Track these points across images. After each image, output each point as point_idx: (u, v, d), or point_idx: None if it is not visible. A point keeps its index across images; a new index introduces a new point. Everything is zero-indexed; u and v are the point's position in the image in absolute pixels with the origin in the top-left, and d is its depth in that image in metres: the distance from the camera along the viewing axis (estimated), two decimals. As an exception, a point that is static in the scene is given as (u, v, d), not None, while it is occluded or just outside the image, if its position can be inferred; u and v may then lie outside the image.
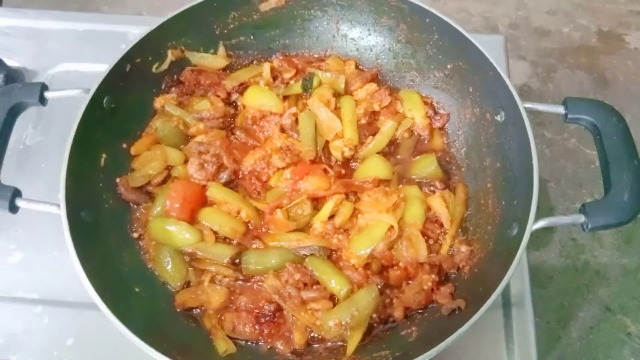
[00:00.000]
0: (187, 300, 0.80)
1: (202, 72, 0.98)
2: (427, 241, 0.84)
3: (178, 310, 0.80)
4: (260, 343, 0.78)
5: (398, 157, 0.94)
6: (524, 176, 0.76)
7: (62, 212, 0.73)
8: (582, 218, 0.72)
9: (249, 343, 0.78)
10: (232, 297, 0.80)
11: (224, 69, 1.00)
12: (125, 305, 0.72)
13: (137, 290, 0.78)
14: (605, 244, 1.46)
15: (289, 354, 0.77)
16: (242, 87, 0.98)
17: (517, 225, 0.74)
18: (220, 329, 0.77)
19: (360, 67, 1.02)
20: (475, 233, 0.85)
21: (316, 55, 1.04)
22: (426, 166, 0.91)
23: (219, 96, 0.96)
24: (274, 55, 1.02)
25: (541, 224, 0.71)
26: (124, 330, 0.66)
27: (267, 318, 0.78)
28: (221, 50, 1.00)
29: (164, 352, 0.66)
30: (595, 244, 1.46)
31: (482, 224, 0.85)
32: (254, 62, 1.03)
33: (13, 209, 0.75)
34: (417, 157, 0.93)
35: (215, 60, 0.99)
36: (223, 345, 0.75)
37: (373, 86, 0.97)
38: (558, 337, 1.32)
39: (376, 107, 0.95)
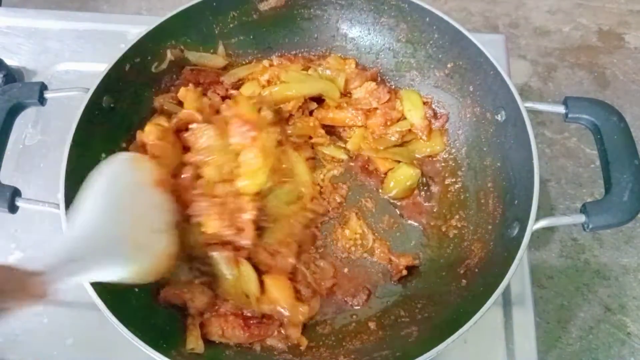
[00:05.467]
0: (170, 296, 0.79)
1: (202, 71, 0.97)
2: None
3: (160, 304, 0.79)
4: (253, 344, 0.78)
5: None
6: (524, 176, 0.76)
7: (62, 212, 0.72)
8: (582, 218, 0.72)
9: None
10: (217, 301, 0.79)
11: (224, 68, 1.00)
12: (125, 305, 0.72)
13: (136, 290, 0.78)
14: (605, 243, 1.46)
15: (286, 350, 0.77)
16: (240, 83, 0.98)
17: (518, 225, 0.74)
18: (196, 328, 0.77)
19: (361, 66, 1.02)
20: (475, 233, 0.85)
21: (316, 55, 1.04)
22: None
23: (218, 94, 0.96)
24: (273, 55, 1.02)
25: (542, 223, 0.71)
26: (124, 330, 0.66)
27: (255, 320, 0.78)
28: (220, 49, 1.00)
29: (163, 352, 0.66)
30: (595, 244, 1.45)
31: (483, 223, 0.85)
32: (254, 61, 1.02)
33: (12, 208, 0.75)
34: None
35: (214, 59, 0.99)
36: (192, 343, 0.75)
37: (372, 85, 0.97)
38: (558, 337, 1.32)
39: (374, 104, 0.95)
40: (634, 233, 1.46)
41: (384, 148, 0.94)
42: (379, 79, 1.01)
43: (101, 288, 0.69)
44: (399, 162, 0.93)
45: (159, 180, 0.72)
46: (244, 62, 1.02)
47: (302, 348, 0.78)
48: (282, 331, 0.78)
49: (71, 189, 0.75)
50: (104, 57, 0.85)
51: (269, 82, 0.96)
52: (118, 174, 0.69)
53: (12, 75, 1.08)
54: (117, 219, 0.64)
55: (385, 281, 0.86)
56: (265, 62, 0.99)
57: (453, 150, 0.95)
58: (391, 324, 0.80)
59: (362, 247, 0.88)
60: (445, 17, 0.89)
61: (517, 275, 0.88)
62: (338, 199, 0.92)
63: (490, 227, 0.83)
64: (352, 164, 0.96)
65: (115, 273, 0.62)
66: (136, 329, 0.67)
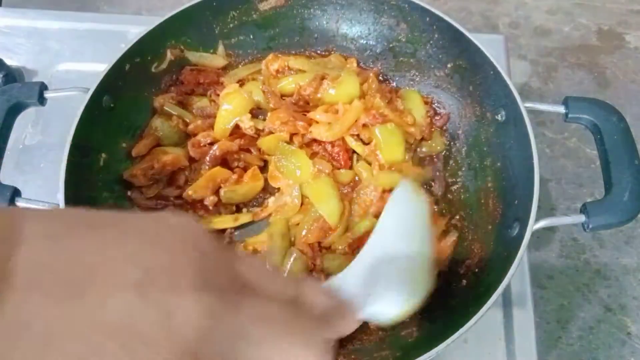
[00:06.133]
0: None
1: (202, 71, 0.98)
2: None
3: None
4: None
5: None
6: (524, 176, 0.76)
7: (62, 212, 0.72)
8: (582, 218, 0.72)
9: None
10: None
11: (224, 68, 1.00)
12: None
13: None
14: (605, 243, 1.46)
15: None
16: (240, 84, 0.98)
17: (518, 225, 0.74)
18: None
19: (362, 65, 1.02)
20: (475, 233, 0.85)
21: (316, 54, 1.04)
22: None
23: (218, 95, 0.96)
24: (272, 54, 1.02)
25: (542, 224, 0.71)
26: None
27: None
28: (220, 49, 1.00)
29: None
30: (595, 244, 1.45)
31: (483, 223, 0.84)
32: (254, 61, 1.02)
33: (12, 208, 0.75)
34: None
35: (214, 59, 0.99)
36: None
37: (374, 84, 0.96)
38: (558, 337, 1.32)
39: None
40: (634, 233, 1.46)
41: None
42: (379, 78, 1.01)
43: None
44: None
45: (433, 213, 0.68)
46: (244, 62, 1.02)
47: None
48: None
49: (71, 188, 0.75)
50: (104, 57, 0.85)
51: (277, 71, 0.96)
52: (411, 205, 0.63)
53: (12, 75, 1.08)
54: (406, 250, 0.58)
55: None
56: (270, 55, 0.99)
57: (453, 150, 0.95)
58: (391, 324, 0.80)
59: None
60: (446, 17, 0.89)
61: (517, 275, 0.88)
62: None
63: (490, 227, 0.83)
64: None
65: (395, 308, 0.56)
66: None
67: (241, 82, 0.98)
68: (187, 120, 0.92)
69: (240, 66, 1.01)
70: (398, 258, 0.57)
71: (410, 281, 0.58)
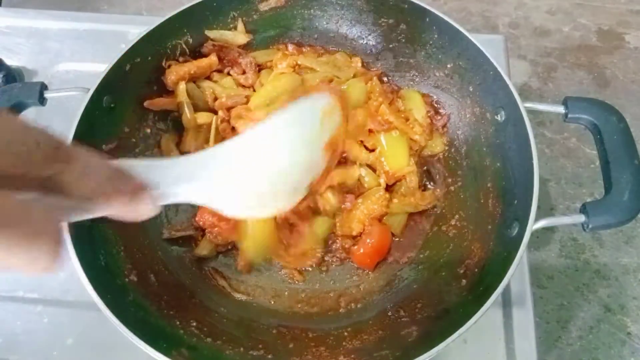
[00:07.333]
0: None
1: (223, 47, 0.97)
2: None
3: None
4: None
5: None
6: (524, 176, 0.76)
7: (62, 211, 0.72)
8: (582, 218, 0.72)
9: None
10: None
11: (244, 47, 0.99)
12: (125, 305, 0.72)
13: (136, 288, 0.78)
14: (605, 243, 1.46)
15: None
16: (259, 68, 0.98)
17: (518, 225, 0.74)
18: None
19: (366, 65, 1.02)
20: (475, 233, 0.85)
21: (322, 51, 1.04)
22: None
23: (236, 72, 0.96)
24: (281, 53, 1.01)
25: (542, 223, 0.71)
26: (124, 330, 0.66)
27: None
28: (240, 26, 0.99)
29: (163, 352, 0.66)
30: (595, 244, 1.46)
31: (482, 223, 0.84)
32: (271, 47, 1.02)
33: (13, 208, 0.75)
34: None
35: (235, 36, 0.98)
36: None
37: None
38: (558, 337, 1.32)
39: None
40: (634, 233, 1.46)
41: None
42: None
43: (101, 288, 0.69)
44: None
45: (333, 141, 0.58)
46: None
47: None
48: None
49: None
50: (104, 57, 0.86)
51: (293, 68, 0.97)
52: (307, 111, 0.57)
53: (12, 75, 1.08)
54: (281, 162, 0.53)
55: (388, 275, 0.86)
56: (279, 52, 0.99)
57: (453, 150, 0.95)
58: (391, 324, 0.80)
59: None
60: (445, 18, 0.90)
61: (517, 275, 0.88)
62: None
63: (490, 227, 0.83)
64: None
65: (226, 207, 0.52)
66: (136, 329, 0.67)
67: (260, 67, 0.98)
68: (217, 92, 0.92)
69: (259, 50, 1.00)
70: (269, 169, 0.51)
71: (265, 194, 0.53)
